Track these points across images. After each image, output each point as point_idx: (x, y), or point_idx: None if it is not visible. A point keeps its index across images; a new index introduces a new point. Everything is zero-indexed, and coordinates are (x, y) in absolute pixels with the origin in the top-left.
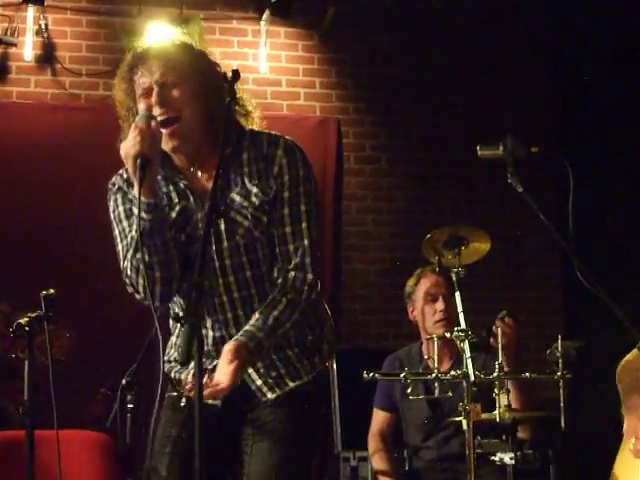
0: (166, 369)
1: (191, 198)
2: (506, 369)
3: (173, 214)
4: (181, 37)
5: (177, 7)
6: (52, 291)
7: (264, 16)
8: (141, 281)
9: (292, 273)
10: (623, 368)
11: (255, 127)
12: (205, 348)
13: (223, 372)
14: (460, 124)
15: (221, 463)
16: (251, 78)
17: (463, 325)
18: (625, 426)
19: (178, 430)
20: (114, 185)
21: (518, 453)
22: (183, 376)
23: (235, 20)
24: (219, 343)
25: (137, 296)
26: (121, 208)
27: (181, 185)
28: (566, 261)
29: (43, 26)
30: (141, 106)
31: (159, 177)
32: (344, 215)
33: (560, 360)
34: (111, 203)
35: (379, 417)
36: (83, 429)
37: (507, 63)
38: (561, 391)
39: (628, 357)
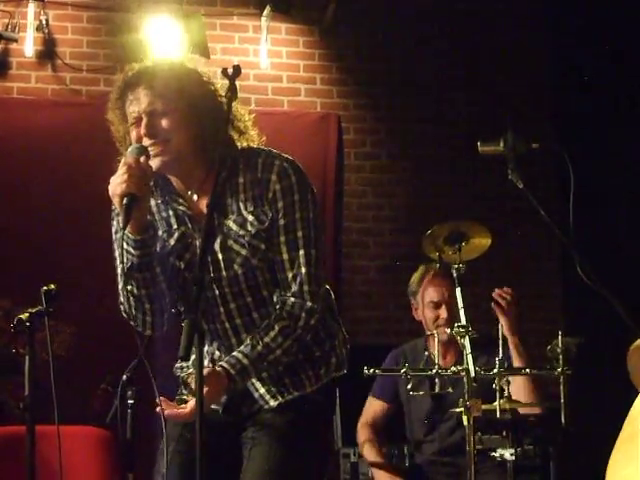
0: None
1: (189, 224)
2: (509, 338)
3: (172, 241)
4: (170, 57)
5: (178, 3)
6: (53, 286)
7: (265, 12)
8: (133, 311)
9: (290, 300)
10: (636, 350)
11: (253, 144)
12: (210, 364)
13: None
14: (461, 120)
15: (223, 468)
16: (252, 74)
17: (463, 321)
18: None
19: (181, 429)
20: (114, 209)
21: (518, 449)
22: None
23: (236, 16)
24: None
25: (131, 323)
26: (119, 234)
27: (179, 210)
28: (567, 257)
29: (44, 22)
30: (133, 135)
31: (159, 202)
32: (344, 211)
33: (561, 356)
34: (113, 224)
35: (374, 406)
36: (84, 425)
37: (508, 59)
38: (561, 387)
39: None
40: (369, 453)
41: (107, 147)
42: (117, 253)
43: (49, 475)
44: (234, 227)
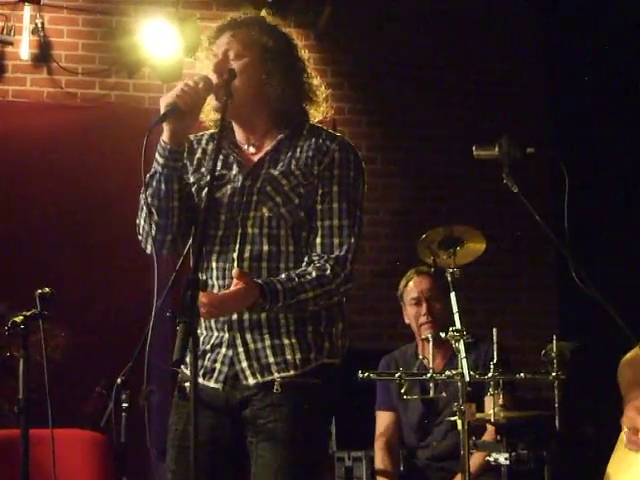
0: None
1: (234, 170)
2: None
3: (209, 177)
4: (258, 13)
5: (173, 6)
6: (48, 290)
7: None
8: (142, 222)
9: (332, 262)
10: (626, 363)
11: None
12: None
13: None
14: (456, 124)
15: (227, 460)
16: None
17: (458, 325)
18: (623, 417)
19: (183, 424)
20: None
21: (513, 453)
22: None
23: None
24: None
25: (139, 237)
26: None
27: (231, 156)
28: (561, 261)
29: (39, 25)
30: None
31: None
32: None
33: (555, 361)
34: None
35: (383, 419)
36: (78, 428)
37: (504, 64)
38: (556, 392)
39: (630, 354)
40: (378, 461)
41: (102, 150)
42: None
43: (43, 478)
44: (277, 174)
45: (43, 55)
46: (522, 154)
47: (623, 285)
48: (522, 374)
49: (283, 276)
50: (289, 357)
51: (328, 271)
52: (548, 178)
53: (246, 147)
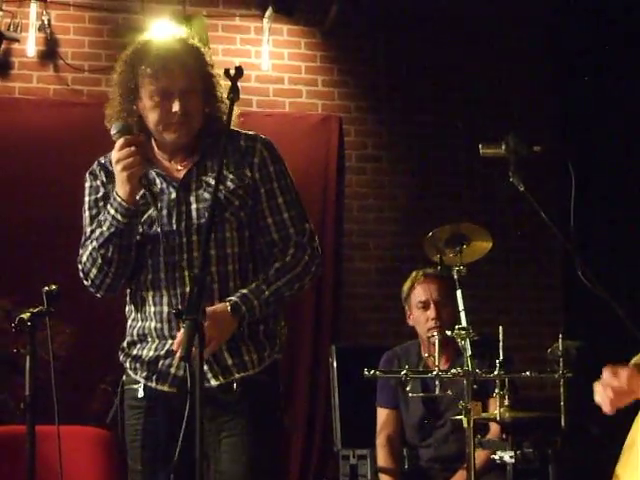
0: (121, 358)
1: (159, 183)
2: None
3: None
4: (183, 35)
5: (180, 4)
6: (54, 287)
7: (267, 13)
8: (94, 271)
9: (292, 249)
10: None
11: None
12: (159, 325)
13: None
14: (463, 122)
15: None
16: (253, 75)
17: (464, 323)
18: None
19: (143, 423)
20: (92, 172)
21: (518, 452)
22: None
23: (238, 17)
24: (172, 320)
25: (85, 282)
26: (93, 197)
27: (152, 173)
28: (568, 260)
29: (46, 22)
30: (156, 109)
31: None
32: (345, 213)
33: (561, 359)
34: (86, 186)
35: (384, 415)
36: (84, 425)
37: (510, 61)
38: (561, 390)
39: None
40: (380, 458)
41: (109, 147)
42: (87, 216)
43: (49, 475)
44: (213, 182)
45: (49, 52)
46: (529, 152)
47: (629, 283)
48: (528, 373)
49: (245, 286)
50: (246, 358)
51: (289, 257)
52: (555, 176)
53: (169, 162)
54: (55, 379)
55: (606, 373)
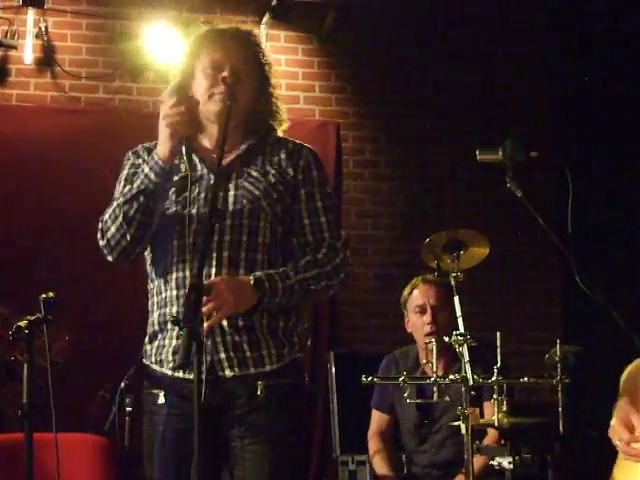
0: (145, 360)
1: (200, 168)
2: None
3: (175, 177)
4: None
5: (177, 10)
6: (51, 294)
7: (264, 20)
8: (113, 229)
9: (325, 249)
10: (625, 372)
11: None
12: (181, 309)
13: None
14: (460, 128)
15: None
16: None
17: (462, 329)
18: (609, 430)
19: (163, 430)
20: (135, 152)
21: (516, 457)
22: None
23: (235, 23)
24: None
25: (100, 242)
26: (131, 171)
27: (195, 159)
28: (565, 265)
29: (43, 29)
30: (207, 78)
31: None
32: (343, 219)
33: (559, 365)
34: (126, 162)
35: (377, 417)
36: (82, 432)
37: (507, 67)
38: (559, 396)
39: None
40: (377, 465)
41: (106, 153)
42: (121, 187)
43: None
44: (254, 173)
45: (47, 59)
46: (526, 158)
47: (627, 289)
48: (526, 378)
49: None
50: (264, 352)
51: (321, 254)
52: (552, 182)
53: (213, 151)
54: (53, 386)
55: (615, 424)
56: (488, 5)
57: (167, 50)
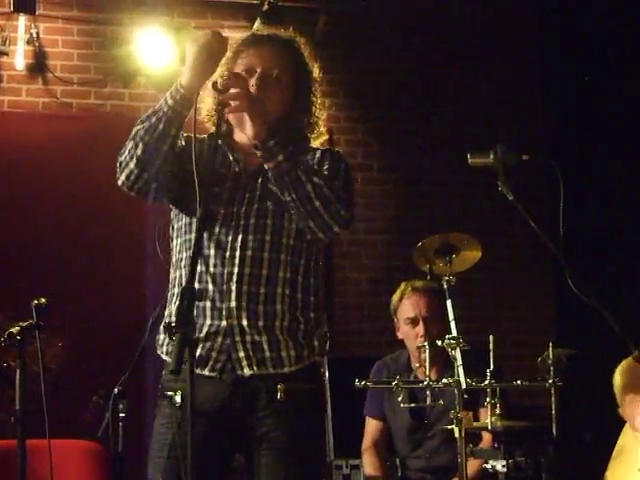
0: (158, 350)
1: (234, 167)
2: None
3: (223, 169)
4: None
5: (168, 16)
6: (43, 300)
7: (255, 25)
8: (125, 151)
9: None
10: (618, 370)
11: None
12: (201, 304)
13: None
14: (452, 131)
15: (221, 463)
16: None
17: (454, 333)
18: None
19: (174, 434)
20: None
21: (510, 461)
22: None
23: (226, 28)
24: (216, 300)
25: (117, 170)
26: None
27: (230, 157)
28: (558, 268)
29: (34, 35)
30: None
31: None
32: None
33: (551, 367)
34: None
35: (371, 425)
36: (75, 438)
37: (499, 71)
38: (552, 398)
39: (623, 362)
40: (369, 469)
41: (98, 159)
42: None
43: None
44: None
45: (38, 65)
46: (517, 161)
47: (620, 292)
48: (519, 381)
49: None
50: (284, 353)
51: (336, 185)
52: (544, 185)
53: (248, 151)
54: (47, 392)
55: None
56: (481, 11)
57: (159, 56)
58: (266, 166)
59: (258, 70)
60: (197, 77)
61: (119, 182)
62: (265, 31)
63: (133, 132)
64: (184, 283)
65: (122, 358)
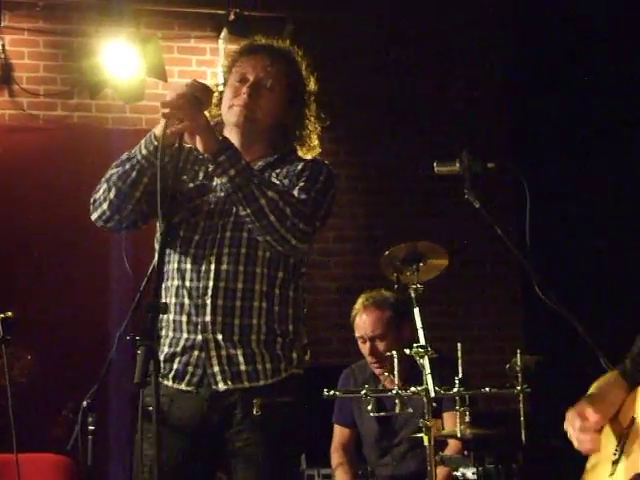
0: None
1: (216, 180)
2: None
3: (192, 184)
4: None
5: (135, 27)
6: (10, 314)
7: (222, 35)
8: (98, 188)
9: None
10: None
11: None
12: (177, 317)
13: None
14: (420, 140)
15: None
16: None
17: (422, 341)
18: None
19: (156, 449)
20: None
21: (480, 468)
22: None
23: (193, 39)
24: (191, 314)
25: (91, 208)
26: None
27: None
28: (526, 275)
29: (0, 47)
30: (229, 88)
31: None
32: None
33: (519, 374)
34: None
35: (339, 432)
36: (44, 452)
37: (465, 79)
38: (521, 405)
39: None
40: (339, 477)
41: (66, 171)
42: None
43: None
44: None
45: (4, 77)
46: (483, 169)
47: (587, 298)
48: (487, 388)
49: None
50: (259, 367)
51: (294, 198)
52: (511, 193)
53: None
54: (15, 406)
55: (570, 415)
56: (444, 20)
57: (125, 67)
58: (218, 181)
59: (251, 78)
60: (164, 129)
61: (92, 218)
62: (263, 40)
63: (108, 174)
64: (169, 297)
65: (90, 371)
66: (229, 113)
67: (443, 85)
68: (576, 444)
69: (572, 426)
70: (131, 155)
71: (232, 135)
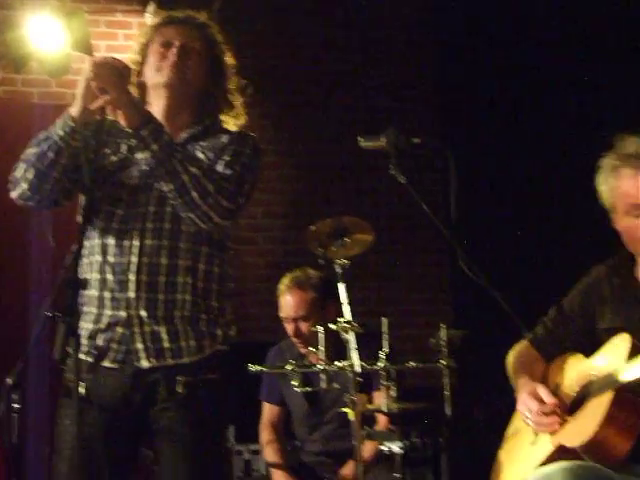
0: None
1: (138, 155)
2: None
3: (114, 158)
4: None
5: (60, 0)
6: None
7: (148, 9)
8: (19, 168)
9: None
10: (510, 353)
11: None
12: (99, 293)
13: None
14: (348, 116)
15: (126, 456)
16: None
17: (348, 317)
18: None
19: (77, 425)
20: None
21: (406, 442)
22: None
23: (120, 13)
24: (115, 290)
25: (9, 185)
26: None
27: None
28: (454, 251)
29: None
30: (155, 53)
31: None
32: None
33: (444, 348)
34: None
35: (267, 410)
36: None
37: (394, 55)
38: (446, 380)
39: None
40: (268, 454)
41: None
42: None
43: None
44: None
45: None
46: (408, 144)
47: (515, 274)
48: (412, 363)
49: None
50: (183, 344)
51: (217, 174)
52: (437, 169)
53: None
54: None
55: (522, 396)
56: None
57: (50, 40)
58: (140, 156)
59: (177, 43)
60: (82, 108)
61: (12, 196)
62: (180, 14)
63: (25, 154)
64: (92, 273)
65: (15, 348)
66: (158, 75)
67: (373, 62)
68: (535, 427)
69: (528, 409)
70: (48, 134)
71: (160, 100)
